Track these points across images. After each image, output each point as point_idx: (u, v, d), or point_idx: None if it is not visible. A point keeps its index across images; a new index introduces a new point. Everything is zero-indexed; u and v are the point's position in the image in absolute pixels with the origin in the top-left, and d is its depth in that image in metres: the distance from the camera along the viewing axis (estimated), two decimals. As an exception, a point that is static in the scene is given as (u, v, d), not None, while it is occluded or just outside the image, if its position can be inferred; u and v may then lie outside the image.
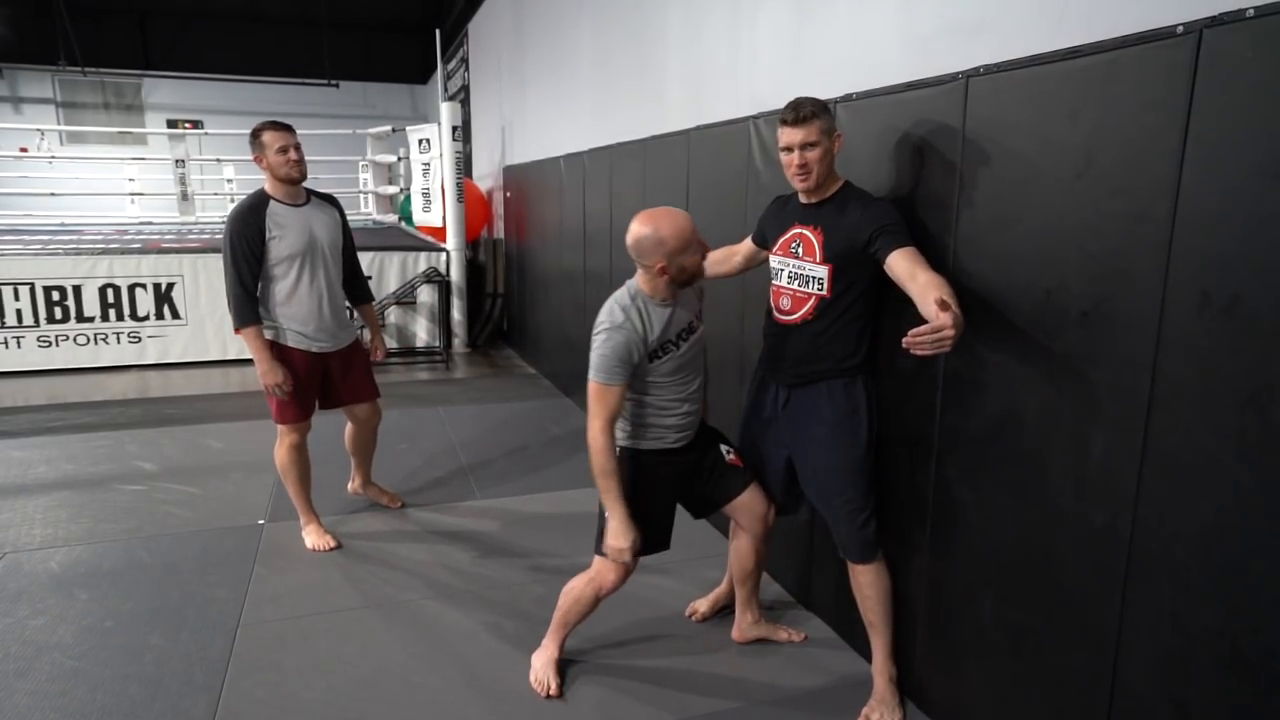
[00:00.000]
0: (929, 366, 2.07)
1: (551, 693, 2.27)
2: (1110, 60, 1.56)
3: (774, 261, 2.25)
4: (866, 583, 2.22)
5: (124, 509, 3.52)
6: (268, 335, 2.95)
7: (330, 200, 3.14)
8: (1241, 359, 1.36)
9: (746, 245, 2.48)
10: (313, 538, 3.18)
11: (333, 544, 3.17)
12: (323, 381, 3.13)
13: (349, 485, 3.60)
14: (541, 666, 2.34)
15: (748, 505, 2.36)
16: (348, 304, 3.24)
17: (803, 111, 2.02)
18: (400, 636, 2.58)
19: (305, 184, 3.05)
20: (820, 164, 2.05)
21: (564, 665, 2.38)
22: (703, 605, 2.71)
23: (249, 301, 2.89)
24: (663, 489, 2.26)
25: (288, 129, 2.94)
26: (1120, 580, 1.61)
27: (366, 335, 3.42)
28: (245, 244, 2.84)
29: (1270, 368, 1.32)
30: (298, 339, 2.99)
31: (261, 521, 3.39)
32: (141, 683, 2.31)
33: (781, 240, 2.22)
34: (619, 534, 2.10)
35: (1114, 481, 1.61)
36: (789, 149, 2.05)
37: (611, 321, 2.08)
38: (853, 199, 2.10)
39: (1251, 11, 1.32)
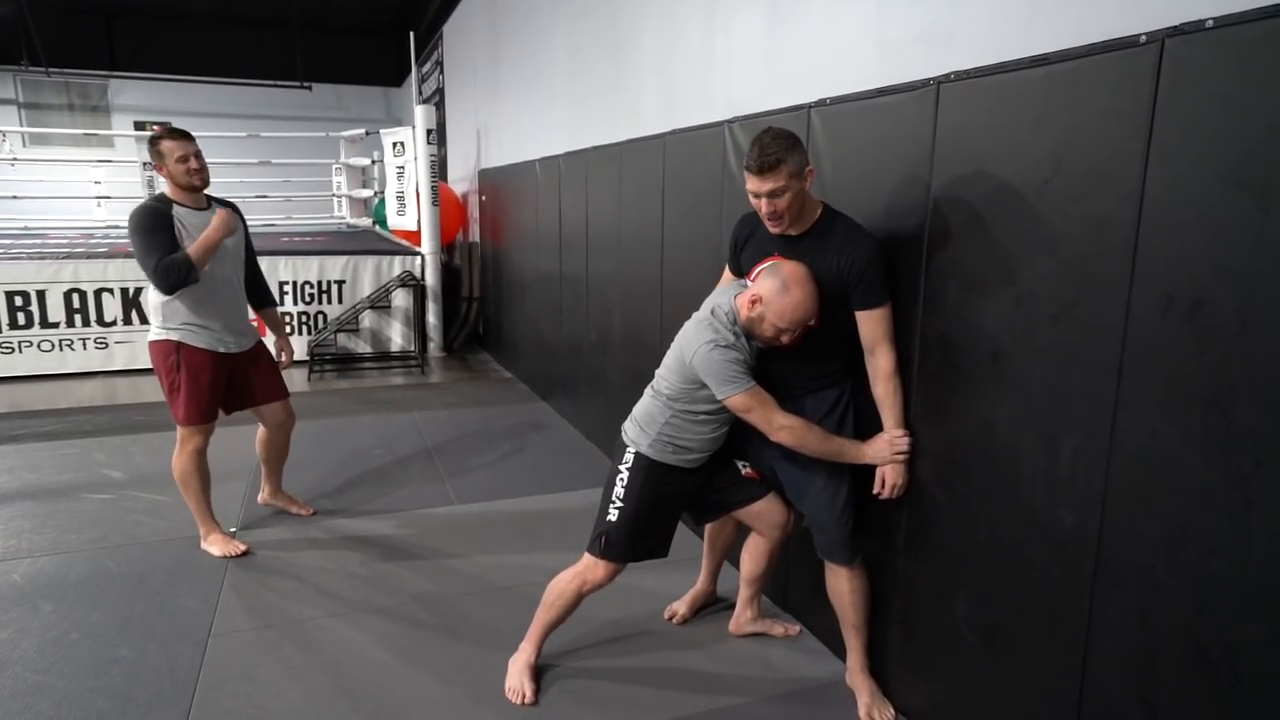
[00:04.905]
0: (904, 370, 2.09)
1: (527, 700, 2.26)
2: (1075, 68, 1.59)
3: None
4: (851, 588, 2.24)
5: (91, 518, 3.45)
6: (174, 337, 2.94)
7: (231, 207, 3.15)
8: (1204, 361, 1.39)
9: (727, 276, 2.40)
10: (219, 547, 3.13)
11: (242, 548, 3.13)
12: (228, 385, 3.11)
13: (259, 496, 3.54)
14: (517, 673, 2.33)
15: (765, 513, 2.35)
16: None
17: (767, 160, 1.91)
18: (376, 644, 2.55)
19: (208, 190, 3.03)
20: (790, 209, 1.98)
21: (540, 670, 2.37)
22: (681, 607, 2.72)
23: (176, 254, 2.80)
24: (669, 503, 2.26)
25: (187, 137, 2.93)
26: (1089, 580, 1.63)
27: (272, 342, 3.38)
28: (160, 234, 2.82)
29: (1232, 369, 1.35)
30: (208, 339, 2.99)
31: (233, 530, 3.34)
32: (109, 696, 2.27)
33: (761, 268, 2.15)
34: (885, 451, 2.07)
35: (1083, 482, 1.63)
36: (757, 196, 1.98)
37: (722, 339, 2.05)
38: (835, 230, 2.04)
39: (1210, 23, 1.35)
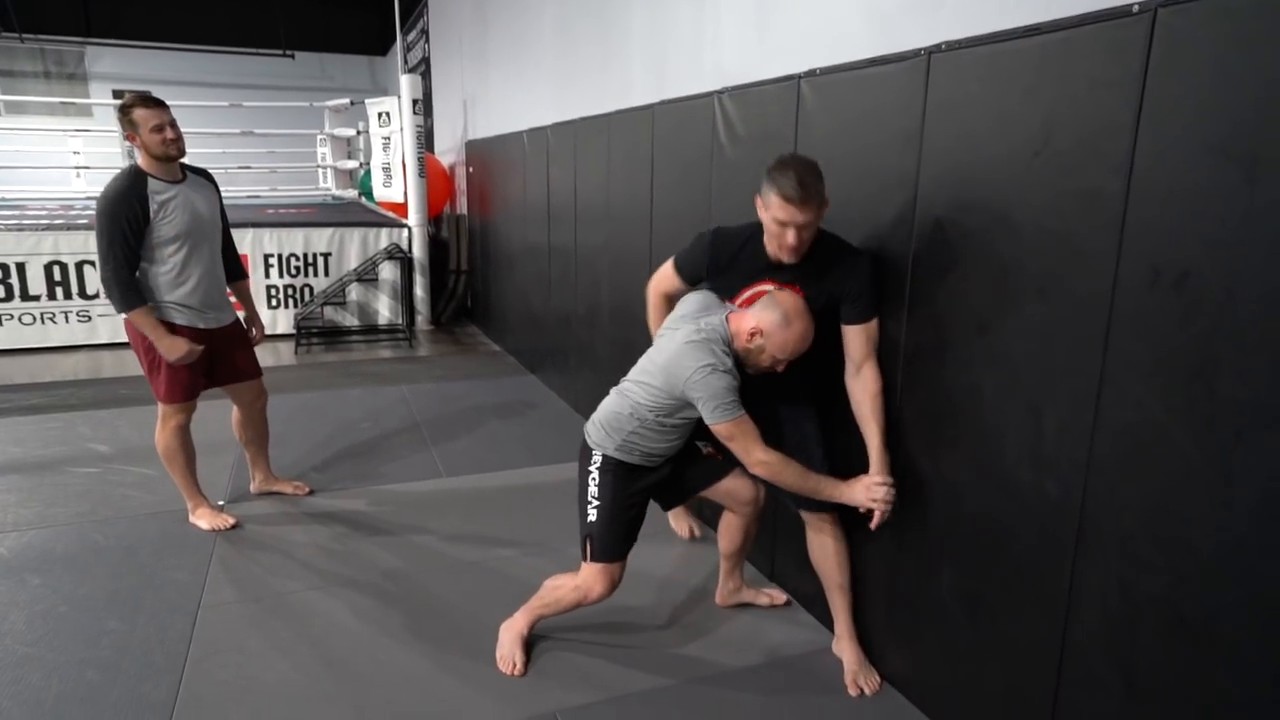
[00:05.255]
0: (890, 344, 2.09)
1: (516, 670, 2.28)
2: (1067, 38, 1.58)
3: None
4: (830, 536, 2.26)
5: (77, 492, 3.44)
6: (155, 315, 2.88)
7: (205, 175, 3.06)
8: (1190, 333, 1.40)
9: (673, 285, 2.33)
10: (207, 520, 3.13)
11: (230, 522, 3.13)
12: (208, 361, 3.05)
13: (251, 486, 3.47)
14: (509, 642, 2.34)
15: (732, 491, 2.37)
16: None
17: (810, 191, 1.89)
18: (366, 616, 2.57)
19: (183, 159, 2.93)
20: (809, 240, 2.00)
21: (533, 641, 2.39)
22: (693, 527, 3.05)
23: (133, 283, 2.80)
24: (641, 495, 2.27)
25: (161, 105, 2.80)
26: (1071, 550, 1.66)
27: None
28: (127, 225, 2.72)
29: (1216, 342, 1.36)
30: (188, 316, 2.93)
31: (221, 503, 3.33)
32: (99, 667, 2.27)
33: (751, 293, 2.16)
34: (861, 497, 2.06)
35: (1067, 454, 1.65)
36: (785, 225, 1.94)
37: (720, 364, 2.04)
38: (834, 256, 2.06)
39: (1204, -9, 1.34)
